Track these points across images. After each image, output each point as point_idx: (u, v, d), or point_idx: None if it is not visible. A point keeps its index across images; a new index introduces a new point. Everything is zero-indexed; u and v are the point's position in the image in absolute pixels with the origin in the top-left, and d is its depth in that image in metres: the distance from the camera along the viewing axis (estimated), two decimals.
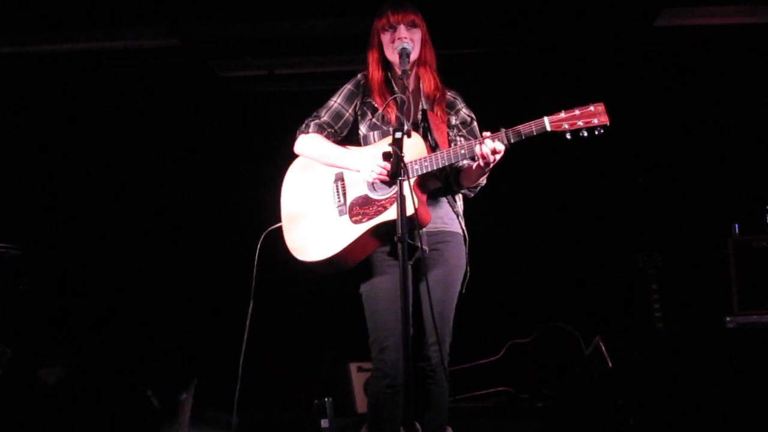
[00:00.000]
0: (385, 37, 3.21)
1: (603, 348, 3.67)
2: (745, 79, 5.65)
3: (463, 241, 3.25)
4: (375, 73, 3.28)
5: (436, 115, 3.24)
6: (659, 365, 3.65)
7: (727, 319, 4.85)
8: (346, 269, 3.17)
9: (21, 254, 4.91)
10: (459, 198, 3.31)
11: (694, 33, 5.57)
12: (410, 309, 2.71)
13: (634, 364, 3.65)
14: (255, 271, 3.29)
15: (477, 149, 2.93)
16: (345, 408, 5.31)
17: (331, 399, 5.09)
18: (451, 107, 3.31)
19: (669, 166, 5.78)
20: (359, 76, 3.35)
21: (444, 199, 3.24)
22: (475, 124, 3.31)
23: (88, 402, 4.09)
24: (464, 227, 3.27)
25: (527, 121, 2.93)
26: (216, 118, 6.09)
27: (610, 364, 3.62)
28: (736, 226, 5.05)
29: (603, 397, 3.70)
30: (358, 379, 5.37)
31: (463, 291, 3.24)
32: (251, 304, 3.31)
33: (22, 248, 4.92)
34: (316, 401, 5.08)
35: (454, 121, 3.29)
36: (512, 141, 2.93)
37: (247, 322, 3.31)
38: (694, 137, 5.73)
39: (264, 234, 3.29)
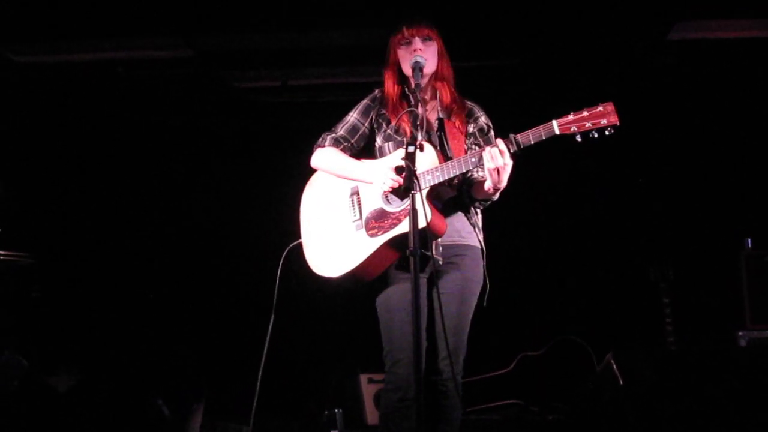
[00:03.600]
0: (401, 52, 3.24)
1: (614, 365, 3.65)
2: (758, 92, 5.64)
3: (480, 255, 3.25)
4: (390, 88, 3.30)
5: (454, 124, 3.23)
6: (670, 383, 3.63)
7: (740, 333, 4.84)
8: (367, 282, 3.18)
9: (33, 263, 4.93)
10: (477, 210, 3.30)
11: (706, 46, 5.56)
12: (422, 323, 2.70)
13: (645, 381, 3.63)
14: (277, 286, 3.29)
15: (486, 155, 2.91)
16: (355, 419, 5.30)
17: (341, 410, 5.08)
18: (469, 115, 3.31)
19: (681, 180, 5.76)
20: (376, 91, 3.38)
21: (461, 212, 3.23)
22: (492, 133, 3.31)
23: (99, 411, 4.11)
24: (482, 240, 3.26)
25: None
26: (229, 129, 6.12)
27: (621, 382, 3.61)
28: (749, 240, 5.03)
29: (614, 414, 3.68)
30: (368, 391, 5.36)
31: (484, 304, 3.23)
32: (272, 319, 3.31)
33: (35, 257, 4.94)
34: (326, 412, 5.07)
35: (472, 129, 3.29)
36: (521, 146, 2.91)
37: (268, 337, 3.30)
38: (707, 151, 5.71)
39: (286, 251, 3.30)
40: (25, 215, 5.64)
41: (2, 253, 4.58)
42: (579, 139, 2.89)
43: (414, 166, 2.71)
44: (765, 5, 5.01)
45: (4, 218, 4.72)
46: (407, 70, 3.21)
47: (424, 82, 3.19)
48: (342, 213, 3.24)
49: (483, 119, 3.33)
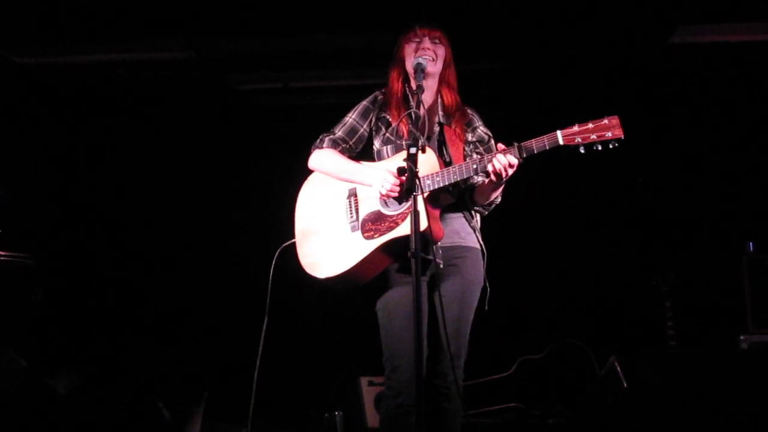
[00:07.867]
0: (409, 48, 3.26)
1: (618, 368, 3.64)
2: (760, 95, 5.63)
3: (481, 256, 3.25)
4: (394, 85, 3.31)
5: (454, 131, 3.24)
6: (673, 386, 3.62)
7: (741, 337, 4.82)
8: (359, 285, 3.17)
9: (35, 264, 4.92)
10: (476, 214, 3.30)
11: (708, 50, 5.56)
12: (423, 327, 2.68)
13: (650, 385, 3.61)
14: (270, 287, 3.29)
15: (489, 166, 2.93)
16: (355, 422, 5.29)
17: (341, 413, 5.07)
18: (468, 125, 3.32)
19: (684, 183, 5.75)
20: (377, 92, 3.39)
21: (460, 214, 3.23)
22: (493, 142, 3.31)
23: (100, 413, 4.11)
24: (482, 242, 3.26)
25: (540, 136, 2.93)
26: (231, 131, 6.12)
27: (625, 385, 3.59)
28: (751, 244, 5.02)
29: (617, 418, 3.67)
30: (368, 394, 5.34)
31: (486, 308, 3.23)
32: (266, 321, 3.31)
33: (36, 258, 4.94)
34: (326, 415, 5.06)
35: (470, 138, 3.30)
36: (525, 155, 2.93)
37: (262, 338, 3.30)
38: (709, 154, 5.71)
39: (279, 250, 3.30)
40: (27, 216, 5.64)
41: (3, 254, 4.57)
42: (582, 151, 2.90)
43: (416, 167, 2.70)
44: (767, 8, 5.01)
45: (5, 219, 4.71)
46: (410, 67, 3.23)
47: (427, 84, 3.19)
48: (338, 214, 3.22)
49: (481, 129, 3.34)
